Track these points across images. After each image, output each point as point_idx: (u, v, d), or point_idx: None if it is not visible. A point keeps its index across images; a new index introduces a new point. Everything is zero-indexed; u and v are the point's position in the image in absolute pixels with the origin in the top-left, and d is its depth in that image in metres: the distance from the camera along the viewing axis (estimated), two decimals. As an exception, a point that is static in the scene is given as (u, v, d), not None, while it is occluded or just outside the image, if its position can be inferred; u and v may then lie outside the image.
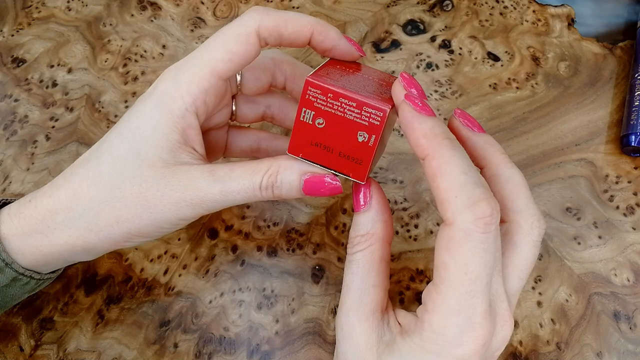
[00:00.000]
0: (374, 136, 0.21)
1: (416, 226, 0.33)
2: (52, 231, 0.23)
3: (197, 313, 0.31)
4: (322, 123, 0.22)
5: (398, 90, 0.21)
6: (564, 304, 0.31)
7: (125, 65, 0.38)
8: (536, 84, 0.37)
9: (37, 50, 0.39)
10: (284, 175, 0.23)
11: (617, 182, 0.34)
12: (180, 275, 0.32)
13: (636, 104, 0.35)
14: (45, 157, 0.35)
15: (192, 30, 0.40)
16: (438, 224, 0.33)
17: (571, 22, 0.40)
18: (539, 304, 0.31)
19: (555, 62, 0.38)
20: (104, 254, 0.26)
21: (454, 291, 0.19)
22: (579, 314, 0.30)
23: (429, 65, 0.38)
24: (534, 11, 0.40)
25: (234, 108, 0.28)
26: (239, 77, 0.27)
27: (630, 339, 0.30)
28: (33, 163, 0.35)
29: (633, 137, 0.33)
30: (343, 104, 0.21)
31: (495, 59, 0.38)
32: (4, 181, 0.34)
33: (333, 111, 0.21)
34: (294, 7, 0.41)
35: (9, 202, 0.25)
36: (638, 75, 0.36)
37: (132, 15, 0.40)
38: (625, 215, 0.33)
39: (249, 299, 0.31)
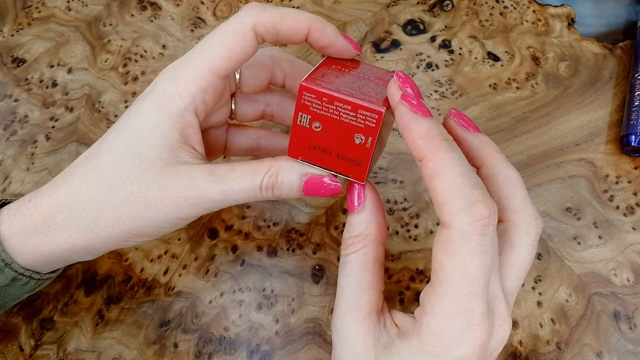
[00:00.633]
0: (370, 138, 0.21)
1: (416, 226, 0.33)
2: (52, 231, 0.23)
3: (197, 313, 0.31)
4: (319, 127, 0.22)
5: (394, 90, 0.21)
6: (564, 304, 0.31)
7: (125, 65, 0.38)
8: (536, 84, 0.37)
9: (37, 50, 0.39)
10: (285, 176, 0.23)
11: (617, 182, 0.34)
12: (180, 275, 0.32)
13: (636, 104, 0.35)
14: (45, 157, 0.35)
15: (192, 30, 0.40)
16: (438, 224, 0.33)
17: (571, 22, 0.40)
18: (539, 304, 0.31)
19: (555, 62, 0.38)
20: (104, 253, 0.26)
21: (452, 293, 0.19)
22: (579, 314, 0.30)
23: (429, 65, 0.38)
24: (534, 11, 0.40)
25: (233, 107, 0.28)
26: (237, 76, 0.27)
27: (630, 339, 0.30)
28: (33, 163, 0.35)
29: (633, 137, 0.33)
30: (338, 108, 0.21)
31: (495, 59, 0.38)
32: (4, 181, 0.34)
33: (329, 115, 0.21)
34: (293, 8, 0.41)
35: (9, 202, 0.25)
36: (638, 75, 0.36)
37: (132, 15, 0.40)
38: (625, 215, 0.33)
39: (249, 299, 0.31)
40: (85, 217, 0.23)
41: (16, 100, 0.37)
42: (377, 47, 0.39)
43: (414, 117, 0.20)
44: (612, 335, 0.30)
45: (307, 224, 0.33)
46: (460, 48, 0.39)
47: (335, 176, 0.23)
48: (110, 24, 0.40)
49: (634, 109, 0.34)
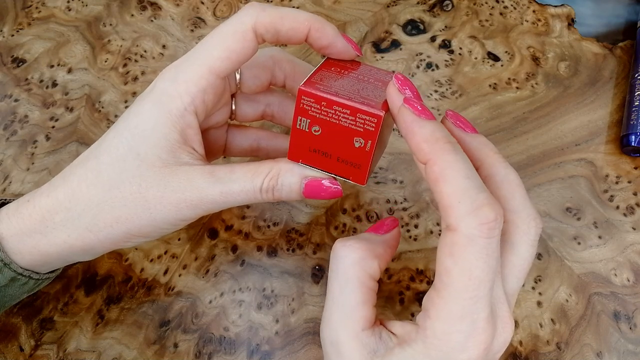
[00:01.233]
0: (370, 142, 0.21)
1: (416, 226, 0.33)
2: (50, 231, 0.23)
3: (197, 313, 0.31)
4: (318, 130, 0.22)
5: (393, 93, 0.21)
6: (564, 304, 0.31)
7: (125, 65, 0.38)
8: (536, 84, 0.37)
9: (37, 50, 0.39)
10: (285, 178, 0.23)
11: (617, 182, 0.34)
12: (180, 275, 0.32)
13: (636, 104, 0.35)
14: (45, 157, 0.35)
15: (192, 30, 0.40)
16: (438, 224, 0.33)
17: (571, 22, 0.40)
18: (539, 304, 0.31)
19: (555, 62, 0.38)
20: (103, 254, 0.26)
21: (458, 297, 0.19)
22: (579, 314, 0.30)
23: (429, 65, 0.38)
24: (534, 11, 0.40)
25: (233, 107, 0.28)
26: (238, 76, 0.27)
27: (630, 339, 0.30)
28: (33, 163, 0.35)
29: (633, 137, 0.33)
30: (337, 112, 0.21)
31: (495, 59, 0.38)
32: (4, 181, 0.34)
33: (328, 119, 0.21)
34: (293, 7, 0.41)
35: (8, 202, 0.25)
36: (638, 75, 0.36)
37: (132, 15, 0.40)
38: (625, 215, 0.33)
39: (249, 299, 0.31)
40: (84, 217, 0.23)
41: (16, 100, 0.37)
42: (377, 47, 0.39)
43: (418, 120, 0.20)
44: (612, 335, 0.30)
45: (307, 224, 0.33)
46: (460, 48, 0.39)
47: (336, 179, 0.23)
48: (110, 24, 0.40)
49: (634, 109, 0.34)
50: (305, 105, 0.21)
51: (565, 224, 0.33)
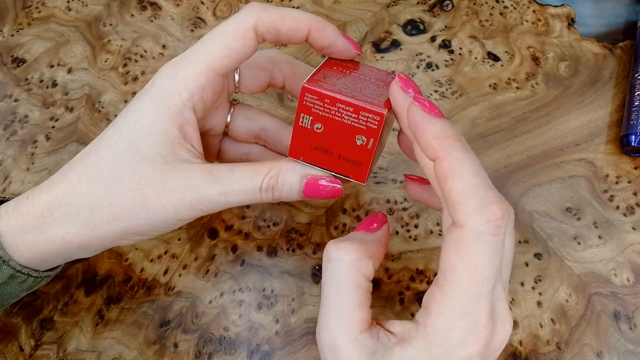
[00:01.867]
0: (372, 139, 0.21)
1: (416, 226, 0.33)
2: (48, 227, 0.23)
3: (197, 313, 0.31)
4: (321, 128, 0.22)
5: (396, 92, 0.21)
6: (564, 304, 0.31)
7: (125, 65, 0.38)
8: (536, 84, 0.37)
9: (37, 50, 0.39)
10: (285, 178, 0.23)
11: (617, 182, 0.34)
12: (180, 275, 0.32)
13: (636, 104, 0.35)
14: (45, 157, 0.35)
15: (192, 30, 0.40)
16: (438, 224, 0.33)
17: (571, 22, 0.40)
18: (539, 304, 0.31)
19: (555, 62, 0.38)
20: (101, 251, 0.26)
21: (461, 293, 0.19)
22: (579, 314, 0.30)
23: (429, 65, 0.38)
24: (534, 11, 0.40)
25: (228, 119, 0.28)
26: (237, 76, 0.27)
27: (630, 339, 0.30)
28: (33, 163, 0.35)
29: (633, 137, 0.33)
30: (340, 109, 0.21)
31: (495, 59, 0.38)
32: (4, 181, 0.34)
33: (330, 116, 0.22)
34: (293, 8, 0.41)
35: (7, 200, 0.25)
36: (638, 75, 0.36)
37: (132, 15, 0.40)
38: (625, 215, 0.33)
39: (249, 299, 0.31)
40: (82, 213, 0.23)
41: (16, 100, 0.37)
42: (377, 47, 0.39)
43: (428, 117, 0.20)
44: (612, 335, 0.30)
45: (307, 224, 0.33)
46: (460, 48, 0.39)
47: (336, 177, 0.23)
48: (110, 24, 0.40)
49: (634, 109, 0.34)
50: (308, 103, 0.21)
51: (565, 224, 0.33)
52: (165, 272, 0.32)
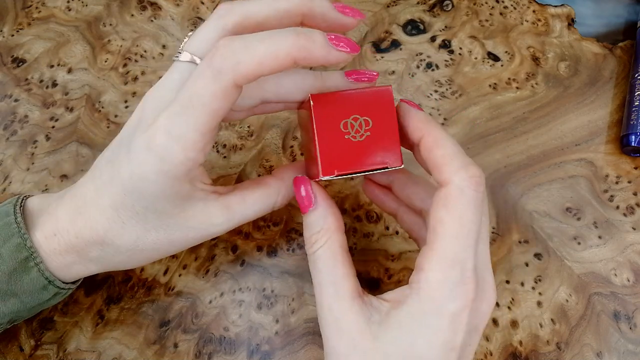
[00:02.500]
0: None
1: (416, 226, 0.33)
2: (86, 263, 0.25)
3: (197, 313, 0.31)
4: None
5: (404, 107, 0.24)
6: (564, 304, 0.31)
7: (125, 65, 0.38)
8: (536, 84, 0.37)
9: (37, 50, 0.39)
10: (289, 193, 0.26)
11: (617, 182, 0.34)
12: (180, 275, 0.32)
13: (636, 104, 0.35)
14: (45, 157, 0.35)
15: (192, 30, 0.40)
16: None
17: (571, 22, 0.40)
18: (539, 304, 0.31)
19: (555, 62, 0.38)
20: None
21: (450, 243, 0.20)
22: (579, 314, 0.30)
23: (429, 65, 0.38)
24: (534, 11, 0.40)
25: None
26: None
27: (630, 339, 0.30)
28: (33, 163, 0.35)
29: (633, 137, 0.34)
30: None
31: (495, 59, 0.38)
32: (4, 181, 0.34)
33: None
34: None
35: (26, 198, 0.27)
36: (638, 75, 0.36)
37: (132, 15, 0.40)
38: (625, 215, 0.33)
39: (249, 299, 0.31)
40: (118, 257, 0.25)
41: (16, 100, 0.37)
42: (377, 47, 0.39)
43: (413, 109, 0.24)
44: (612, 335, 0.30)
45: (307, 224, 0.33)
46: (460, 48, 0.39)
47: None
48: (110, 24, 0.40)
49: (634, 109, 0.34)
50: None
51: (565, 224, 0.33)
52: (165, 272, 0.32)
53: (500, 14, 0.40)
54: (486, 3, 0.41)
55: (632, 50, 0.38)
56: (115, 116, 0.37)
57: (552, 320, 0.30)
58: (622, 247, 0.32)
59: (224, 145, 0.35)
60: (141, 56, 0.39)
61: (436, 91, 0.37)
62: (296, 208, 0.33)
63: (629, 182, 0.34)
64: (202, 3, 0.41)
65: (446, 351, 0.20)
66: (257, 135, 0.36)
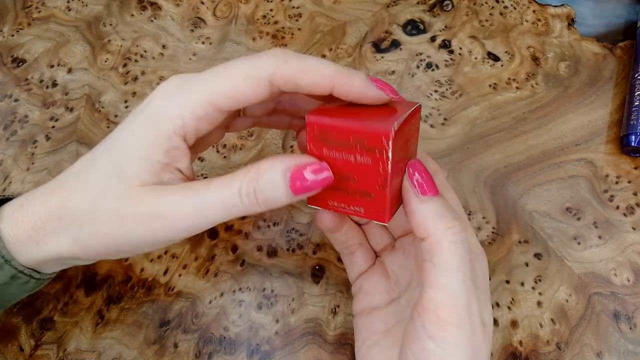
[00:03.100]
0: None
1: (416, 226, 0.33)
2: (41, 238, 0.23)
3: (197, 313, 0.31)
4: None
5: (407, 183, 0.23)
6: (564, 304, 0.31)
7: (125, 65, 0.38)
8: (536, 84, 0.37)
9: (37, 50, 0.39)
10: (266, 175, 0.21)
11: (617, 182, 0.34)
12: (180, 275, 0.32)
13: (636, 104, 0.35)
14: (45, 157, 0.35)
15: (192, 30, 0.40)
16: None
17: (571, 22, 0.40)
18: (539, 304, 0.31)
19: (555, 62, 0.38)
20: (91, 263, 0.26)
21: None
22: (579, 314, 0.30)
23: (429, 65, 0.38)
24: (534, 11, 0.40)
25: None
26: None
27: (630, 339, 0.30)
28: (33, 163, 0.35)
29: (633, 137, 0.33)
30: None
31: (495, 59, 0.38)
32: (4, 181, 0.34)
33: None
34: (293, 7, 0.41)
35: (8, 200, 0.26)
36: (638, 75, 0.36)
37: (132, 15, 0.41)
38: (625, 215, 0.33)
39: (249, 299, 0.31)
40: (71, 227, 0.23)
41: (16, 100, 0.37)
42: (377, 47, 0.39)
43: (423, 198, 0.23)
44: (612, 335, 0.30)
45: (307, 224, 0.33)
46: (460, 48, 0.39)
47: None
48: (110, 24, 0.40)
49: (634, 109, 0.34)
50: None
51: (565, 224, 0.33)
52: (165, 272, 0.32)
53: (500, 14, 0.40)
54: (486, 3, 0.41)
55: (632, 50, 0.38)
56: (115, 116, 0.37)
57: (552, 320, 0.30)
58: (622, 247, 0.32)
59: (224, 145, 0.35)
60: (141, 56, 0.39)
61: (436, 91, 0.37)
62: (296, 208, 0.33)
63: (629, 182, 0.34)
64: (202, 3, 0.41)
65: None
66: (257, 136, 0.36)
